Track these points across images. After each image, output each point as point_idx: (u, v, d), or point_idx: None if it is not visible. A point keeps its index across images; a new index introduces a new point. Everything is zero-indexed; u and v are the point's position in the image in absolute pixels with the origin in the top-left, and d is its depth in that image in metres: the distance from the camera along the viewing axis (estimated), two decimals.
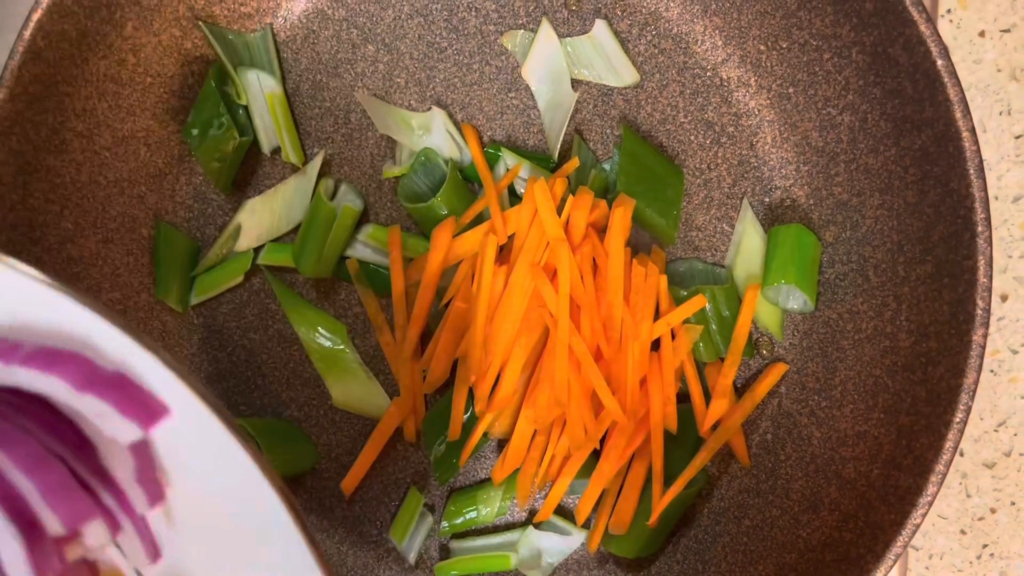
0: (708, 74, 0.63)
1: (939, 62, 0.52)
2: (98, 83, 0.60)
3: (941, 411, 0.52)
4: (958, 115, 0.51)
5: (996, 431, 0.67)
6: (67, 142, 0.60)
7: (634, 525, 0.59)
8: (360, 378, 0.63)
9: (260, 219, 0.64)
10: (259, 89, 0.63)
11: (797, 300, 0.61)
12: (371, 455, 0.62)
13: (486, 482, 0.63)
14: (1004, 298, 0.69)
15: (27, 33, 0.56)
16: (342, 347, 0.63)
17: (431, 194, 0.62)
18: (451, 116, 0.64)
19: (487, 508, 0.62)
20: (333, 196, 0.64)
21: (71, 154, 0.60)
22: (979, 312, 0.51)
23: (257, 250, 0.64)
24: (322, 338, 0.63)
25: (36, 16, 0.56)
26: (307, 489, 0.64)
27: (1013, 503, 0.67)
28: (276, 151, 0.64)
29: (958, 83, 0.52)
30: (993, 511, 0.67)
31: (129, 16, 0.60)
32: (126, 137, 0.62)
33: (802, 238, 0.60)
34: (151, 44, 0.62)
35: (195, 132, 0.63)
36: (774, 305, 0.61)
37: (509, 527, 0.62)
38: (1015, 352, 0.67)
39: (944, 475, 0.51)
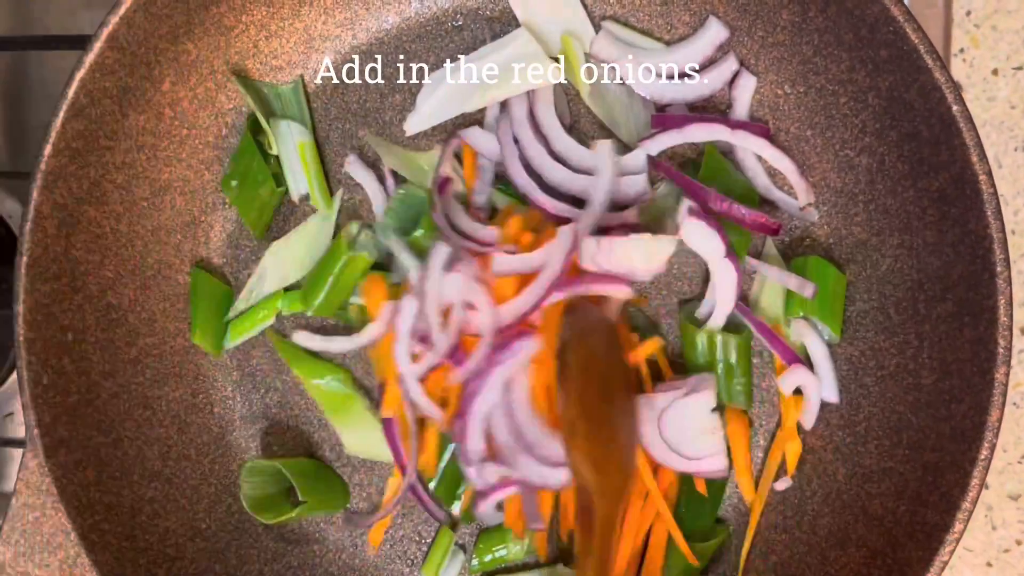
0: None
1: (954, 107, 0.53)
2: (137, 137, 0.63)
3: (966, 448, 0.53)
4: (974, 158, 0.53)
5: (1020, 463, 0.68)
6: (107, 194, 0.62)
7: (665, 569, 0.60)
8: (372, 424, 0.64)
9: (283, 261, 0.65)
10: (290, 138, 0.65)
11: (822, 331, 0.61)
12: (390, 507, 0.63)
13: None
14: None
15: (70, 91, 0.58)
16: (349, 392, 0.64)
17: (413, 228, 0.63)
18: (456, 154, 0.65)
19: (516, 546, 0.63)
20: (357, 240, 0.65)
21: (111, 205, 0.62)
22: (1001, 351, 0.52)
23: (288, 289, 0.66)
24: (327, 384, 0.64)
25: (79, 74, 0.58)
26: (339, 528, 0.65)
27: None
28: (305, 198, 0.66)
29: (973, 127, 0.53)
30: (1019, 543, 0.67)
31: (167, 72, 0.62)
32: (163, 187, 0.64)
33: (821, 270, 0.60)
34: (187, 98, 0.64)
35: (234, 184, 0.65)
36: (798, 339, 0.62)
37: (539, 564, 0.63)
38: None
39: (971, 512, 0.52)
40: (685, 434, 0.58)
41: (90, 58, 0.58)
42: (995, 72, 0.69)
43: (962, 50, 0.70)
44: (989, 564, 0.67)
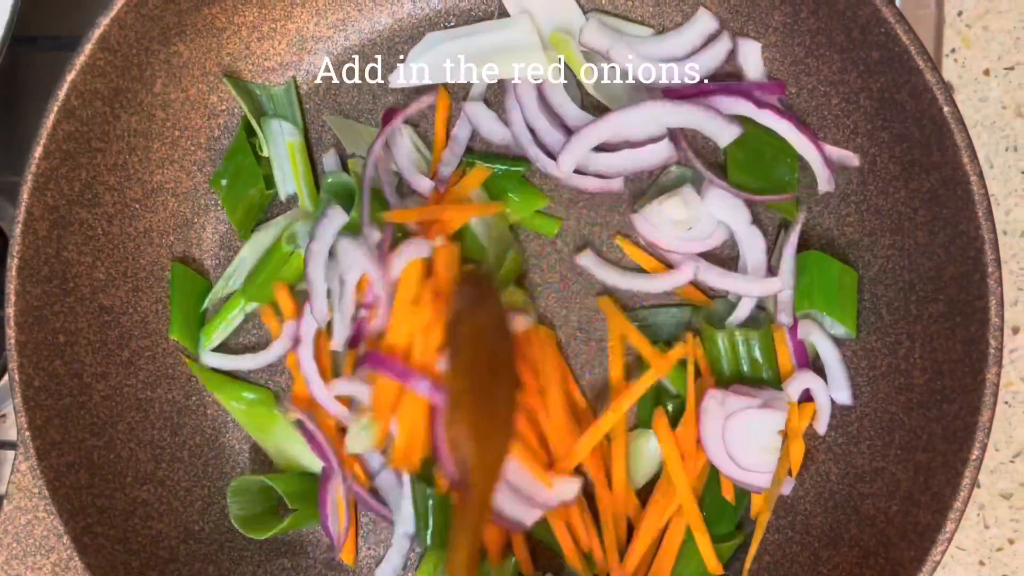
0: None
1: (945, 108, 0.53)
2: (129, 138, 0.62)
3: (957, 448, 0.53)
4: (965, 159, 0.53)
5: (1012, 462, 0.68)
6: (99, 195, 0.62)
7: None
8: (297, 438, 0.64)
9: (260, 251, 0.65)
10: (280, 137, 0.64)
11: (835, 328, 0.61)
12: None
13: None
14: (1016, 330, 0.70)
15: (61, 92, 0.58)
16: (271, 410, 0.64)
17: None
18: (419, 132, 0.65)
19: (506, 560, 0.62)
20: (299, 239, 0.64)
21: (103, 207, 0.62)
22: (992, 351, 0.52)
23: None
24: (248, 404, 0.64)
25: (70, 76, 0.58)
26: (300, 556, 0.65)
27: None
28: (293, 198, 0.66)
29: (964, 128, 0.53)
30: (1011, 542, 0.68)
31: (159, 74, 0.62)
32: (155, 189, 0.64)
33: (823, 264, 0.60)
34: (179, 100, 0.64)
35: (223, 182, 0.65)
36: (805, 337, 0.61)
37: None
38: None
39: (962, 511, 0.52)
40: (746, 444, 0.58)
41: (81, 60, 0.58)
42: (986, 72, 0.70)
43: (953, 50, 0.70)
44: (982, 563, 0.67)
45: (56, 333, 0.60)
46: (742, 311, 0.61)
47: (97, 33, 0.58)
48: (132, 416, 0.63)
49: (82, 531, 0.58)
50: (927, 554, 0.53)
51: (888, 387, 0.59)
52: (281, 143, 0.64)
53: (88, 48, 0.58)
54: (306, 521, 0.63)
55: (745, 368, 0.60)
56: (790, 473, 0.60)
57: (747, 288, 0.60)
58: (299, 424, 0.62)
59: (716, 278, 0.61)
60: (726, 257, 0.63)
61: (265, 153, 0.65)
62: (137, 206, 0.64)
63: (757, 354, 0.60)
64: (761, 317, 0.62)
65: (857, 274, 0.60)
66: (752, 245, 0.61)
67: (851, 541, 0.58)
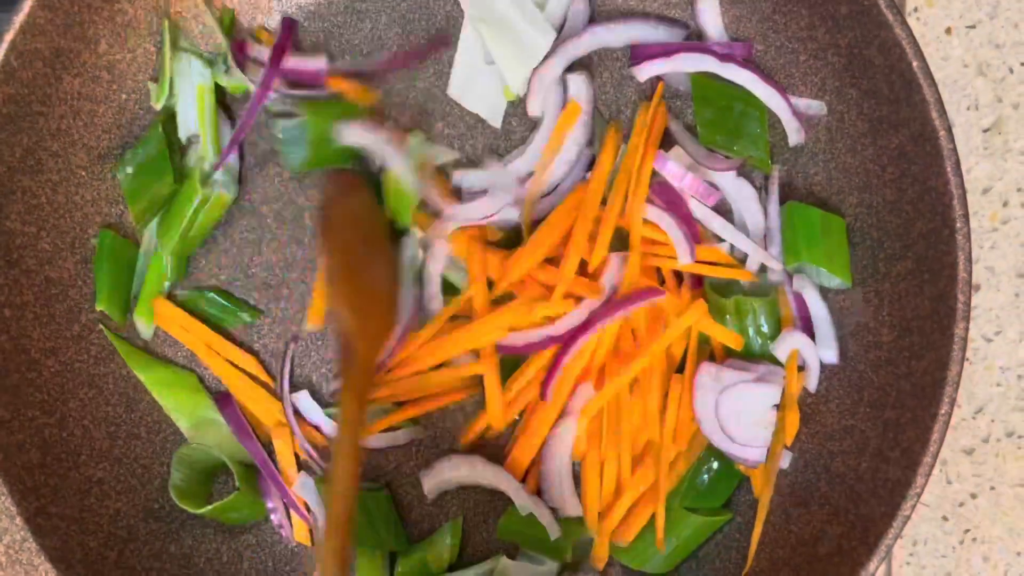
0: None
1: (914, 63, 0.53)
2: (72, 102, 0.60)
3: (926, 404, 0.53)
4: (934, 115, 0.53)
5: (974, 418, 0.69)
6: (42, 162, 0.59)
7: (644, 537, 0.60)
8: (219, 423, 0.62)
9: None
10: (193, 77, 0.61)
11: (829, 278, 0.59)
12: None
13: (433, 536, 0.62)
14: (976, 288, 0.70)
15: None
16: (196, 391, 0.63)
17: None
18: None
19: (444, 539, 0.61)
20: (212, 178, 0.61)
21: (47, 174, 0.60)
22: (960, 306, 0.52)
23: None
24: (176, 391, 0.62)
25: (9, 36, 0.56)
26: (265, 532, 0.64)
27: (993, 488, 0.68)
28: (195, 138, 0.61)
29: (933, 83, 0.53)
30: (974, 496, 0.69)
31: (103, 33, 0.59)
32: (102, 156, 0.62)
33: (803, 214, 0.59)
34: (125, 60, 0.61)
35: (128, 170, 0.61)
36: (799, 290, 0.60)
37: (483, 559, 0.62)
38: (989, 340, 0.69)
39: (931, 467, 0.53)
40: (740, 418, 0.57)
41: (20, 18, 0.55)
42: (948, 31, 0.70)
43: (916, 9, 0.70)
44: (945, 518, 0.68)
45: (1, 307, 0.58)
46: (750, 267, 0.60)
47: None
48: (85, 392, 0.61)
49: (36, 512, 0.56)
50: (897, 509, 0.53)
51: (857, 345, 0.59)
52: (192, 86, 0.61)
53: (28, 6, 0.55)
54: (244, 508, 0.62)
55: (751, 333, 0.59)
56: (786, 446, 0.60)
57: (744, 241, 0.60)
58: (226, 411, 0.61)
59: (720, 228, 0.60)
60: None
61: (160, 100, 0.61)
62: (83, 173, 0.61)
63: (762, 321, 0.59)
64: (766, 285, 0.61)
65: (844, 220, 0.59)
66: (742, 195, 0.60)
67: (821, 499, 0.58)
